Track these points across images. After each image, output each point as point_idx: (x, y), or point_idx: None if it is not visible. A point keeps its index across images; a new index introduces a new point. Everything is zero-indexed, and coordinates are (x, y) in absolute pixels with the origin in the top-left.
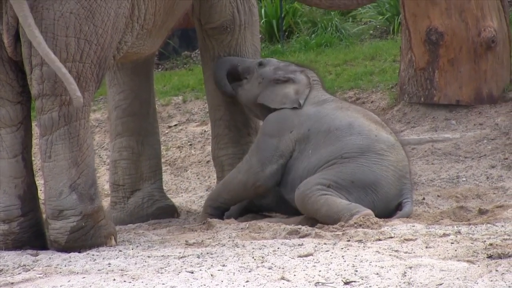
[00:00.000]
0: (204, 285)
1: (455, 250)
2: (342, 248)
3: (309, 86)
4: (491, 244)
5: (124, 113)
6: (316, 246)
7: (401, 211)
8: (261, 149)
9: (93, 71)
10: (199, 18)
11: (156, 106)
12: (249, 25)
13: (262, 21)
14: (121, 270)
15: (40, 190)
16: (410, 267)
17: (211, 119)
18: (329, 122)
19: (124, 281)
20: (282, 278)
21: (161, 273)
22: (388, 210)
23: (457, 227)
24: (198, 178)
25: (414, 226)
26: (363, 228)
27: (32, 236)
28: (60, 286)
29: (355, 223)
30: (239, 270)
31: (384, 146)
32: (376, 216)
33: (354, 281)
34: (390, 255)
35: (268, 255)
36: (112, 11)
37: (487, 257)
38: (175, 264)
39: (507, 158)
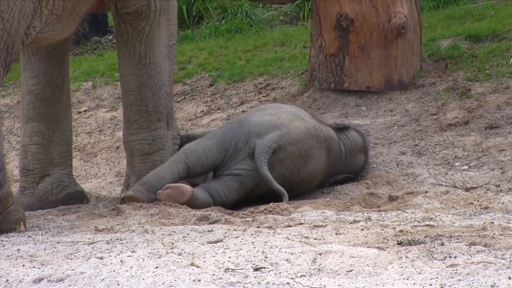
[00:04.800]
0: (114, 271)
1: (365, 237)
2: (252, 234)
3: None
4: (401, 231)
5: (36, 98)
6: (226, 232)
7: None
8: None
9: (0, 57)
10: (115, 2)
11: (69, 92)
12: (165, 11)
13: None
14: (31, 256)
15: None
16: (320, 254)
17: (123, 103)
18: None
19: (34, 267)
20: (192, 264)
21: (71, 259)
22: (248, 145)
23: (367, 213)
24: (107, 164)
25: (324, 212)
26: (273, 214)
27: None
28: None
29: (265, 209)
30: (148, 256)
31: (285, 109)
32: (235, 147)
33: (264, 267)
34: (300, 241)
35: (177, 241)
36: None
37: (397, 244)
38: (85, 250)
39: (417, 145)
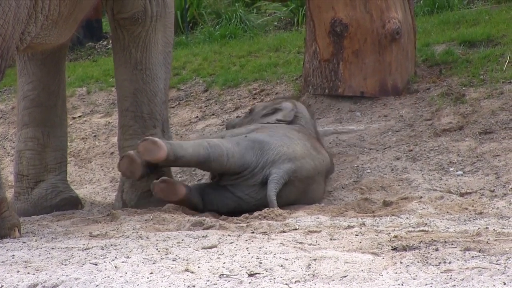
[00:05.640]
0: (108, 276)
1: (360, 242)
2: (246, 240)
3: None
4: (395, 236)
5: (31, 104)
6: (220, 238)
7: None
8: None
9: None
10: (112, 7)
11: (65, 98)
12: (162, 17)
13: None
14: (25, 261)
15: None
16: (315, 259)
17: (118, 109)
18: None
19: (28, 272)
20: (186, 270)
21: (65, 264)
22: (262, 173)
23: (361, 219)
24: (102, 170)
25: (318, 218)
26: (267, 220)
27: None
28: None
29: (259, 214)
30: (143, 262)
31: (300, 143)
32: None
33: (259, 273)
34: (294, 247)
35: (172, 247)
36: (13, 2)
37: (391, 249)
38: (79, 256)
39: (411, 150)
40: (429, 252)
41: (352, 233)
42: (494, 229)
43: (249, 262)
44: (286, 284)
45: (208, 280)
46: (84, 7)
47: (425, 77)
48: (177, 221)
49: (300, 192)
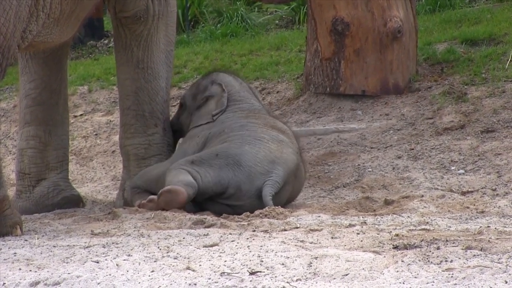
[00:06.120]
0: (110, 274)
1: (361, 241)
2: (247, 238)
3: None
4: (397, 235)
5: (33, 102)
6: (221, 236)
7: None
8: None
9: None
10: (114, 6)
11: (67, 96)
12: (164, 16)
13: None
14: (27, 259)
15: None
16: (316, 258)
17: (120, 108)
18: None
19: (30, 270)
20: (188, 268)
21: (67, 262)
22: (254, 186)
23: (363, 217)
24: (103, 168)
25: (319, 216)
26: (268, 218)
27: None
28: None
29: (260, 213)
30: (144, 260)
31: (267, 136)
32: (239, 188)
33: (260, 271)
34: (295, 245)
35: (173, 245)
36: (15, 0)
37: (393, 248)
38: (81, 254)
39: (413, 149)
40: (430, 251)
41: (353, 231)
42: (495, 228)
43: (250, 261)
44: (287, 282)
45: (209, 278)
46: (86, 6)
47: (426, 75)
48: (178, 219)
49: (292, 183)
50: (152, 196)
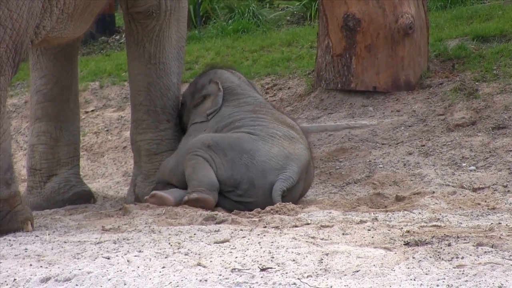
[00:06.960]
0: (121, 270)
1: (372, 237)
2: (258, 235)
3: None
4: (408, 231)
5: (44, 98)
6: (232, 232)
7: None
8: None
9: (9, 56)
10: (126, 1)
11: (78, 92)
12: (175, 11)
13: None
14: (38, 255)
15: None
16: (327, 254)
17: (131, 103)
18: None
19: (41, 266)
20: (199, 264)
21: (78, 258)
22: (268, 181)
23: (374, 214)
24: (114, 164)
25: (331, 212)
26: (279, 214)
27: None
28: None
29: (271, 209)
30: (155, 256)
31: (279, 132)
32: (252, 183)
33: (271, 268)
34: (306, 241)
35: (184, 241)
36: None
37: (404, 244)
38: (92, 250)
39: (424, 145)
40: (441, 247)
41: (364, 228)
42: (507, 225)
43: (261, 257)
44: (298, 278)
45: (220, 275)
46: (100, 1)
47: (438, 72)
48: (189, 215)
49: (304, 176)
50: (154, 192)
